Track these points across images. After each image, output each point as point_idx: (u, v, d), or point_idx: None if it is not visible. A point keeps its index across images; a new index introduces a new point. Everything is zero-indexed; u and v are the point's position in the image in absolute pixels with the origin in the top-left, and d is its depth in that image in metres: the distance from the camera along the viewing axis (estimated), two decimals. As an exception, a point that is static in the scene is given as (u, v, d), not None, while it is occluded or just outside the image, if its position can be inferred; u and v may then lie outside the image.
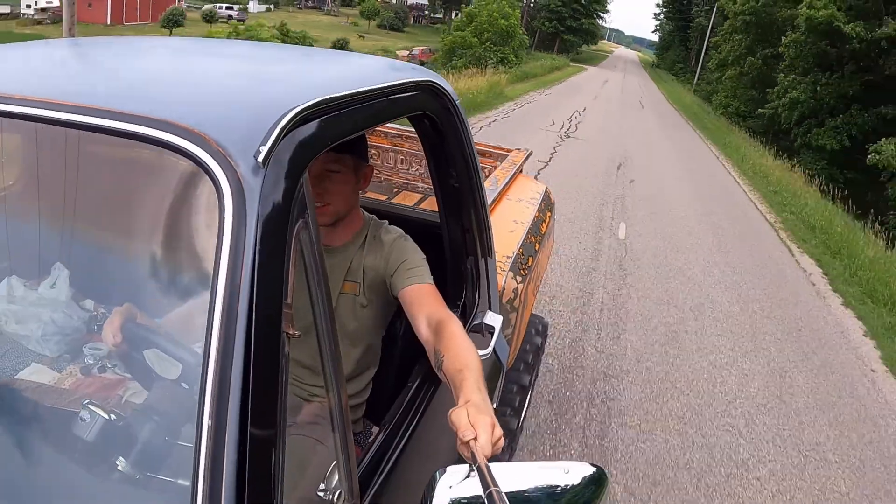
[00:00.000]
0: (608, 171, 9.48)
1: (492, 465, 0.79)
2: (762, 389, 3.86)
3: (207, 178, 0.69)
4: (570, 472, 0.76)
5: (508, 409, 2.27)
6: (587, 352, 3.88)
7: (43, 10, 42.43)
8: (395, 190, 3.37)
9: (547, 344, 3.15)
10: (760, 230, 8.07)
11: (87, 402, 0.98)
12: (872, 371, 4.49)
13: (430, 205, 2.78)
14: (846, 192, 10.79)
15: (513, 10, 25.47)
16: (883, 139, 11.77)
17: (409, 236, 1.40)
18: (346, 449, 0.82)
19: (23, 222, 1.21)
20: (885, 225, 9.03)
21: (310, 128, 0.80)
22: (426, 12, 58.71)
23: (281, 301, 0.70)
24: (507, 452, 2.35)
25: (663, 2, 62.60)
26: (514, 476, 0.79)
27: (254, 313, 0.66)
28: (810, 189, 10.91)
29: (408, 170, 3.35)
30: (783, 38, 16.67)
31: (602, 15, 60.33)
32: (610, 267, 5.45)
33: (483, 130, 9.96)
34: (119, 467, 0.93)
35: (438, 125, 1.28)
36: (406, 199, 3.02)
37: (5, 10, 43.92)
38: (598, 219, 6.84)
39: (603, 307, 4.62)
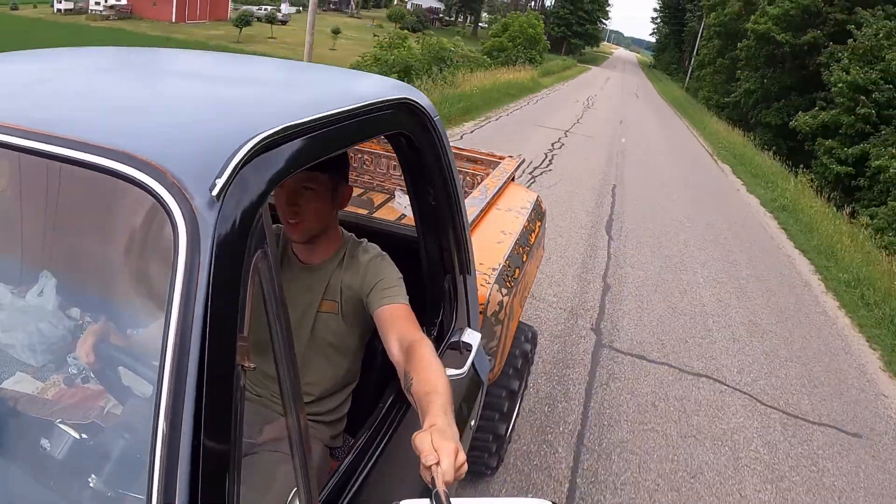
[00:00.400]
0: (615, 122, 16.93)
1: (456, 499, 0.79)
2: (693, 212, 8.18)
3: (163, 211, 0.69)
4: (526, 507, 0.75)
5: (497, 413, 2.26)
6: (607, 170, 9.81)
7: (111, 7, 45.90)
8: (387, 196, 3.37)
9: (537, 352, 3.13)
10: (702, 155, 14.99)
11: (59, 420, 0.98)
12: (737, 191, 10.84)
13: (405, 223, 2.78)
14: (787, 154, 16.91)
15: (538, 21, 33.19)
16: (800, 112, 18.29)
17: (386, 255, 1.40)
18: (305, 475, 0.82)
19: (9, 231, 1.22)
20: (800, 166, 14.31)
21: (271, 156, 0.79)
22: (440, 16, 67.55)
23: (236, 334, 0.70)
24: (494, 458, 2.34)
25: (660, 7, 69.30)
26: None
27: (206, 347, 0.66)
28: (751, 147, 16.90)
29: (401, 175, 3.35)
30: (738, 45, 23.12)
31: (604, 21, 69.47)
32: (619, 152, 11.85)
33: (539, 103, 17.43)
34: (90, 484, 0.94)
35: (415, 143, 1.28)
36: (384, 215, 3.02)
37: (68, 5, 45.53)
38: (611, 138, 13.52)
39: (616, 164, 10.73)
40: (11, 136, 0.77)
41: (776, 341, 4.62)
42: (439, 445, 0.87)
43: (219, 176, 0.71)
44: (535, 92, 20.50)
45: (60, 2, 45.29)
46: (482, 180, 3.09)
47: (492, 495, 2.34)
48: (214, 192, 0.69)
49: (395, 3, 73.24)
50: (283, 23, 43.73)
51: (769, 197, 10.21)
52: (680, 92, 37.55)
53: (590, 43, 65.62)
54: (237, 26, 41.30)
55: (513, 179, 3.15)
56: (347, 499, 0.99)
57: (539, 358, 3.53)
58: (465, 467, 0.89)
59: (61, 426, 0.98)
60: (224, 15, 50.70)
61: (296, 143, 0.84)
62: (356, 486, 1.01)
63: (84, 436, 0.98)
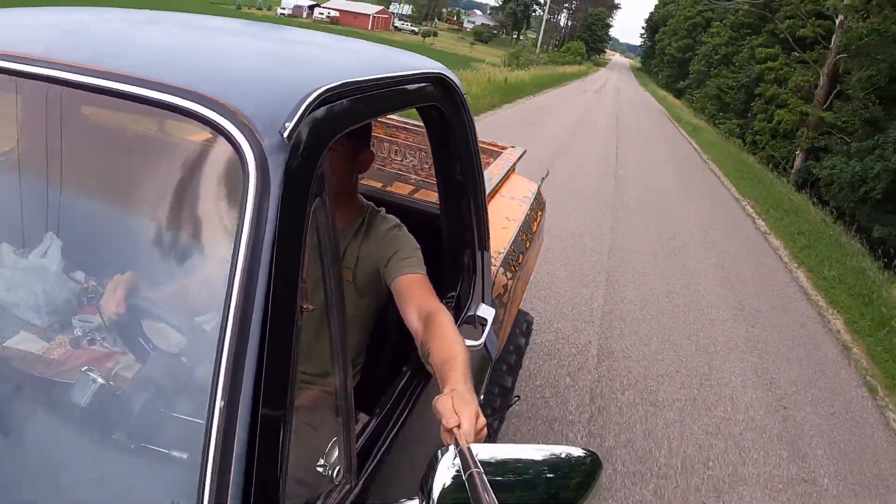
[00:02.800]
0: (615, 92, 35.22)
1: (486, 445, 0.81)
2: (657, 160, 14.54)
3: (232, 149, 0.70)
4: (564, 456, 0.78)
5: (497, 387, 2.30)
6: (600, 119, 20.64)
7: (329, 17, 70.00)
8: (388, 180, 3.38)
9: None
10: (645, 94, 41.87)
11: (85, 368, 0.98)
12: (705, 164, 14.86)
13: (423, 196, 2.79)
14: (678, 94, 41.79)
15: (581, 46, 76.31)
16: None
17: (403, 226, 1.42)
18: (347, 427, 0.84)
19: (19, 189, 1.20)
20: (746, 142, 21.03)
21: (331, 109, 0.81)
22: (498, 32, 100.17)
23: (298, 274, 0.71)
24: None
25: (645, 25, 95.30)
26: (506, 457, 0.81)
27: (272, 284, 0.67)
28: (669, 97, 40.26)
29: (402, 161, 3.36)
30: (699, 50, 35.13)
31: (607, 41, 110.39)
32: (615, 105, 25.35)
33: (584, 82, 38.80)
34: (113, 436, 0.93)
35: (447, 117, 1.30)
36: (399, 190, 3.03)
37: (289, 10, 63.23)
38: (614, 97, 30.65)
39: (617, 88, 39.94)
40: (68, 72, 0.76)
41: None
42: (460, 409, 0.89)
43: (289, 119, 0.72)
44: (584, 77, 46.97)
45: (285, 8, 63.77)
46: (484, 169, 3.11)
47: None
48: (285, 134, 0.71)
49: (452, 20, 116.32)
50: (334, 21, 64.24)
51: (683, 120, 25.25)
52: (654, 85, 59.20)
53: (598, 52, 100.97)
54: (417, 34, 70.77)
55: (514, 170, 3.18)
56: (377, 458, 1.00)
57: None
58: (485, 431, 0.91)
59: (90, 374, 0.98)
60: (388, 27, 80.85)
61: (353, 100, 0.86)
62: (384, 446, 1.03)
63: (111, 384, 0.98)
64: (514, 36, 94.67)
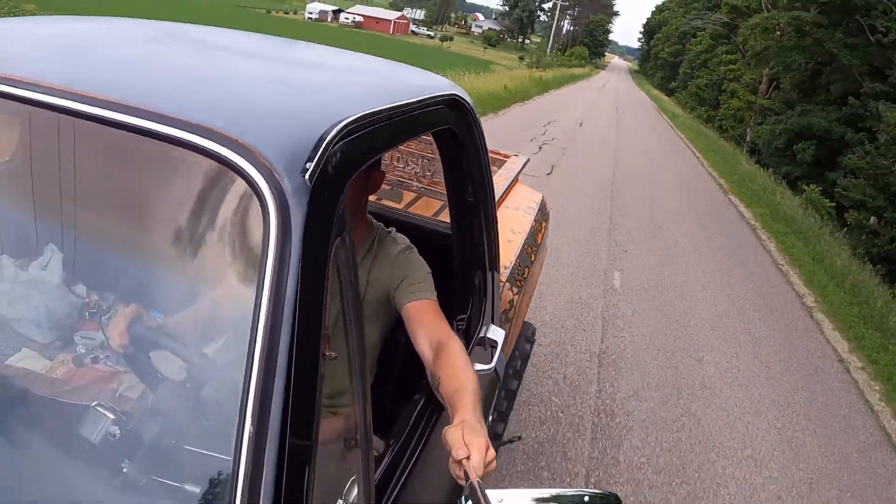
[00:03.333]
0: (614, 92, 40.90)
1: (508, 491, 0.79)
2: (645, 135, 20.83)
3: (251, 190, 0.68)
4: (587, 500, 0.76)
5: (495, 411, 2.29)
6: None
7: (353, 21, 74.89)
8: (389, 188, 3.35)
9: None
10: (641, 94, 49.77)
11: (95, 403, 0.95)
12: (678, 136, 22.73)
13: (426, 205, 2.76)
14: (670, 92, 49.93)
15: (584, 50, 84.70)
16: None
17: (414, 248, 1.40)
18: (367, 464, 0.82)
19: (20, 201, 1.18)
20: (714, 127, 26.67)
21: (351, 143, 0.79)
22: (504, 36, 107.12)
23: (321, 321, 0.69)
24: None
25: (643, 30, 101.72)
26: (526, 501, 0.79)
27: (296, 333, 0.65)
28: (661, 95, 49.95)
29: (403, 168, 3.33)
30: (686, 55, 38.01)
31: (607, 45, 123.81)
32: (615, 100, 32.52)
33: (589, 82, 48.20)
34: (123, 470, 0.91)
35: (459, 139, 1.28)
36: (401, 198, 3.00)
37: (314, 14, 69.27)
38: (615, 95, 37.69)
39: (616, 89, 46.17)
40: (71, 101, 0.74)
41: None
42: (470, 440, 0.89)
43: (310, 160, 0.70)
44: (589, 78, 53.02)
45: (312, 13, 70.14)
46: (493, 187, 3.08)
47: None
48: (307, 176, 0.69)
49: (461, 24, 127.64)
50: (450, 39, 76.11)
51: (667, 111, 33.93)
52: (645, 80, 73.18)
53: (598, 56, 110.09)
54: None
55: (518, 179, 3.16)
56: (394, 493, 0.99)
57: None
58: (495, 463, 0.90)
59: (98, 409, 0.95)
60: (406, 31, 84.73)
61: (372, 131, 0.84)
62: (402, 481, 1.01)
63: (122, 419, 0.96)
64: (520, 40, 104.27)
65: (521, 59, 58.27)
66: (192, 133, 0.70)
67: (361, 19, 75.24)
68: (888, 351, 5.42)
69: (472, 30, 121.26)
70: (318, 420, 0.69)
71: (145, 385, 1.03)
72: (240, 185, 0.69)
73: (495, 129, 10.12)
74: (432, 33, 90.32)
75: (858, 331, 5.81)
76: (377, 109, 0.86)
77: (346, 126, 0.76)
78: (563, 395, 3.42)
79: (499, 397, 2.29)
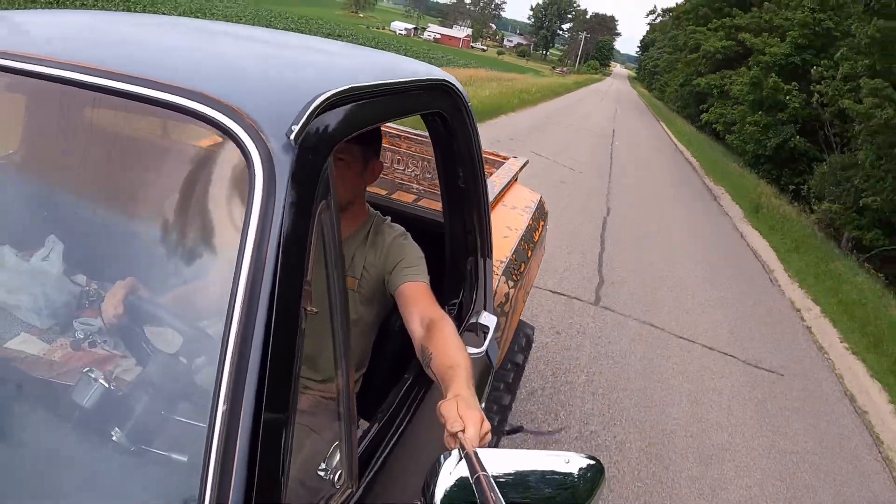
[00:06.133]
0: (615, 92, 54.37)
1: (490, 450, 0.80)
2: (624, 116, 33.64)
3: (238, 151, 0.70)
4: (569, 463, 0.78)
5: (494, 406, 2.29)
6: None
7: (433, 38, 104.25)
8: (389, 190, 3.38)
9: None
10: (631, 91, 67.91)
11: (86, 369, 0.97)
12: (652, 114, 37.64)
13: (427, 203, 2.79)
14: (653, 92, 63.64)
15: (597, 63, 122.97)
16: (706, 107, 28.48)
17: (408, 234, 1.42)
18: (349, 432, 0.83)
19: (23, 192, 1.21)
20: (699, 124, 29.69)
21: (338, 113, 0.81)
22: (530, 50, 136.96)
23: (303, 277, 0.71)
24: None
25: (640, 44, 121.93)
26: (509, 464, 0.80)
27: (277, 286, 0.67)
28: (650, 95, 62.70)
29: (403, 170, 3.37)
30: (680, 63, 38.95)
31: (612, 57, 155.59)
32: (617, 95, 50.01)
33: (600, 86, 61.28)
34: (114, 438, 0.93)
35: (450, 124, 1.30)
36: (401, 199, 3.03)
37: (403, 31, 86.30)
38: (616, 94, 52.55)
39: (618, 89, 64.37)
40: (75, 72, 0.77)
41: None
42: (465, 413, 0.89)
43: (295, 122, 0.72)
44: (599, 82, 70.06)
45: (400, 30, 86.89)
46: (487, 178, 3.11)
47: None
48: (292, 137, 0.71)
49: (495, 38, 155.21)
50: (503, 53, 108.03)
51: (644, 96, 58.97)
52: (640, 85, 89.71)
53: (605, 66, 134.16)
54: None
55: (516, 180, 3.18)
56: (378, 463, 1.00)
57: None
58: (490, 436, 0.91)
59: (91, 375, 0.97)
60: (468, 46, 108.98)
61: (359, 105, 0.86)
62: (386, 451, 1.03)
63: (112, 386, 0.98)
64: (543, 53, 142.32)
65: (553, 68, 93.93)
66: (185, 97, 0.72)
67: (439, 36, 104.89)
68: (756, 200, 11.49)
69: (504, 44, 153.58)
70: (297, 374, 0.71)
71: (137, 358, 1.05)
72: (230, 150, 0.72)
73: (576, 97, 32.46)
74: (484, 47, 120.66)
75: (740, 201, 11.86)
76: (365, 84, 0.89)
77: (333, 95, 0.79)
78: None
79: (497, 389, 2.29)
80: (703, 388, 4.03)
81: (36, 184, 1.22)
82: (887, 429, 4.22)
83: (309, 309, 0.73)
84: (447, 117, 1.29)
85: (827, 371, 4.93)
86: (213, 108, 0.71)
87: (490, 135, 10.00)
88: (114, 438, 0.93)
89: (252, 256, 0.67)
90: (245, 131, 0.70)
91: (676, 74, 37.12)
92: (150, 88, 0.73)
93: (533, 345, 2.97)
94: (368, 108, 0.91)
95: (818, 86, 13.58)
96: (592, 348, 4.12)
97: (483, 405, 1.69)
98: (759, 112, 17.62)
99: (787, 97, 16.06)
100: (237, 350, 0.65)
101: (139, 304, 1.03)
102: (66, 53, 0.81)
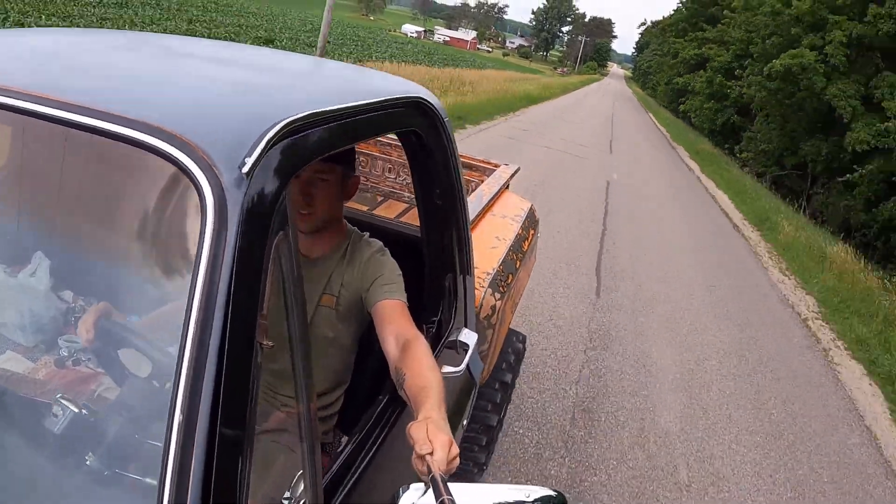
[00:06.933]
0: (613, 91, 63.62)
1: (453, 484, 0.80)
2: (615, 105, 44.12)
3: (191, 184, 0.70)
4: (530, 497, 0.77)
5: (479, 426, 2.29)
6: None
7: (443, 41, 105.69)
8: (381, 198, 3.37)
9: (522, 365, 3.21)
10: (626, 90, 77.06)
11: (59, 395, 0.97)
12: (642, 107, 47.47)
13: (415, 215, 2.78)
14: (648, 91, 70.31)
15: (596, 63, 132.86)
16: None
17: (387, 250, 1.41)
18: (312, 459, 0.82)
19: (4, 209, 1.20)
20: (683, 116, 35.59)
21: (296, 141, 0.81)
22: (532, 51, 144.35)
23: (257, 311, 0.70)
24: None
25: (636, 46, 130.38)
26: (473, 496, 0.79)
27: (229, 322, 0.66)
28: (644, 94, 69.46)
29: (395, 179, 3.36)
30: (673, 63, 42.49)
31: (609, 58, 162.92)
32: (615, 92, 60.78)
33: (599, 85, 71.34)
34: (88, 463, 0.92)
35: (425, 142, 1.30)
36: (391, 208, 3.02)
37: (416, 35, 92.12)
38: (614, 92, 61.54)
39: (614, 91, 66.72)
40: (33, 103, 0.76)
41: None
42: (434, 436, 0.89)
43: (248, 154, 0.72)
44: (598, 81, 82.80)
45: (416, 34, 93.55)
46: (476, 187, 3.11)
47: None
48: (245, 170, 0.70)
49: (497, 40, 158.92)
50: (508, 55, 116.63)
51: (641, 97, 60.96)
52: (634, 83, 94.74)
53: (602, 66, 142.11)
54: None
55: (507, 187, 3.18)
56: (342, 496, 0.99)
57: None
58: (458, 461, 0.90)
59: (63, 401, 0.97)
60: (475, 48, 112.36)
61: (320, 130, 0.86)
62: (351, 482, 1.02)
63: (84, 412, 0.98)
64: (544, 54, 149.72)
65: (555, 68, 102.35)
66: (136, 130, 0.72)
67: (449, 39, 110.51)
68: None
69: (507, 45, 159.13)
70: (253, 409, 0.70)
71: (115, 380, 1.05)
72: (183, 182, 0.71)
73: (582, 93, 43.98)
74: (489, 49, 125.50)
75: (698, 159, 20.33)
76: (327, 109, 0.88)
77: (289, 124, 0.78)
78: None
79: (480, 408, 2.28)
80: (662, 220, 9.13)
81: (20, 200, 1.22)
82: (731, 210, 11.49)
83: (265, 343, 0.72)
84: (422, 135, 1.28)
85: (712, 200, 12.32)
86: (165, 140, 0.71)
87: (548, 110, 21.89)
88: (87, 463, 0.92)
89: (203, 292, 0.66)
90: (196, 164, 0.69)
91: (663, 76, 48.31)
92: (102, 120, 0.73)
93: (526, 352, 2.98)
94: (331, 132, 0.90)
95: (742, 81, 20.10)
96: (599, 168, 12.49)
97: (465, 422, 1.69)
98: (711, 101, 26.10)
99: (728, 90, 23.62)
100: (189, 386, 0.65)
101: (111, 328, 1.03)
102: (23, 80, 0.81)
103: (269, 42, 21.39)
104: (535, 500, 0.76)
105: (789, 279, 7.25)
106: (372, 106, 1.03)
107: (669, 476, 3.05)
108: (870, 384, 4.92)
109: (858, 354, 5.42)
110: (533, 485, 0.75)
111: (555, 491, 0.77)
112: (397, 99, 1.15)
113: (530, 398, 3.37)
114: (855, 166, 13.56)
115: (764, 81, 16.79)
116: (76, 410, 0.95)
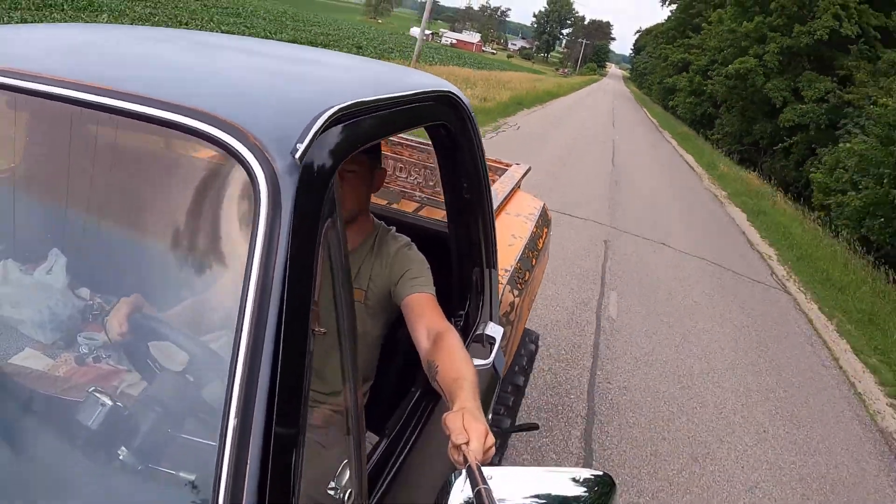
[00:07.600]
0: (612, 90, 66.34)
1: (500, 468, 0.80)
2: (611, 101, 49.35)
3: (243, 170, 0.70)
4: (579, 480, 0.77)
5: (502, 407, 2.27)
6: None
7: (451, 44, 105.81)
8: (393, 197, 3.37)
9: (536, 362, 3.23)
10: (625, 90, 79.75)
11: (92, 389, 0.96)
12: (638, 104, 54.50)
13: (428, 215, 2.78)
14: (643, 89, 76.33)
15: (595, 65, 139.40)
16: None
17: (413, 245, 1.41)
18: (358, 449, 0.82)
19: (25, 205, 1.20)
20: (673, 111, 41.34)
21: (343, 129, 0.81)
22: (533, 53, 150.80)
23: (310, 298, 0.70)
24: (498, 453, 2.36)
25: (633, 48, 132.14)
26: (520, 481, 0.79)
27: (284, 308, 0.66)
28: (640, 93, 74.55)
29: (406, 178, 3.36)
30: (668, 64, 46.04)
31: (608, 59, 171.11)
32: (613, 92, 63.78)
33: (599, 85, 76.05)
34: (120, 457, 0.92)
35: (454, 136, 1.30)
36: (403, 207, 3.03)
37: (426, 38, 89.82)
38: (612, 91, 64.80)
39: (613, 90, 71.27)
40: (76, 91, 0.76)
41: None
42: (470, 426, 0.89)
43: (300, 140, 0.72)
44: (599, 81, 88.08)
45: (427, 35, 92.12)
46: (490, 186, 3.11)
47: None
48: (297, 156, 0.70)
49: (499, 42, 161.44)
50: (512, 56, 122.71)
51: (638, 96, 65.08)
52: (632, 83, 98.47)
53: (601, 67, 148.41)
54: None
55: (518, 187, 3.18)
56: (387, 479, 0.99)
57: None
58: (493, 450, 0.91)
59: (96, 394, 0.96)
60: (480, 49, 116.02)
61: (367, 119, 0.86)
62: (395, 468, 1.02)
63: (119, 404, 0.97)
64: (545, 56, 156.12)
65: (556, 69, 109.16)
66: (187, 116, 0.72)
67: (456, 41, 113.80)
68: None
69: (509, 47, 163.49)
70: (306, 394, 0.70)
71: (143, 375, 1.05)
72: (234, 169, 0.71)
73: (585, 92, 49.45)
74: (493, 50, 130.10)
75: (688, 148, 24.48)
76: (369, 99, 0.88)
77: (337, 112, 0.78)
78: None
79: (500, 398, 2.28)
80: (649, 166, 15.47)
81: (38, 197, 1.22)
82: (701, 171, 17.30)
83: (317, 330, 0.72)
84: (451, 128, 1.28)
85: (681, 158, 19.25)
86: (217, 127, 0.71)
87: (567, 103, 29.87)
88: (121, 457, 0.92)
89: (258, 279, 0.66)
90: (249, 150, 0.69)
91: (656, 76, 54.17)
92: (152, 107, 0.73)
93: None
94: (373, 122, 0.90)
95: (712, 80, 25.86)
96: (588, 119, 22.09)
97: (490, 416, 1.69)
98: (692, 97, 31.66)
99: (705, 87, 28.23)
100: (246, 373, 0.64)
101: (144, 322, 1.02)
102: (66, 70, 0.81)
103: (358, 49, 23.37)
104: (583, 481, 0.75)
105: (716, 187, 14.15)
106: (408, 98, 1.03)
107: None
108: (741, 212, 11.35)
109: (737, 201, 12.40)
110: (580, 468, 0.74)
111: (602, 472, 0.77)
112: (429, 92, 1.15)
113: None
114: (786, 138, 20.19)
115: (724, 81, 23.61)
116: (111, 403, 0.95)
